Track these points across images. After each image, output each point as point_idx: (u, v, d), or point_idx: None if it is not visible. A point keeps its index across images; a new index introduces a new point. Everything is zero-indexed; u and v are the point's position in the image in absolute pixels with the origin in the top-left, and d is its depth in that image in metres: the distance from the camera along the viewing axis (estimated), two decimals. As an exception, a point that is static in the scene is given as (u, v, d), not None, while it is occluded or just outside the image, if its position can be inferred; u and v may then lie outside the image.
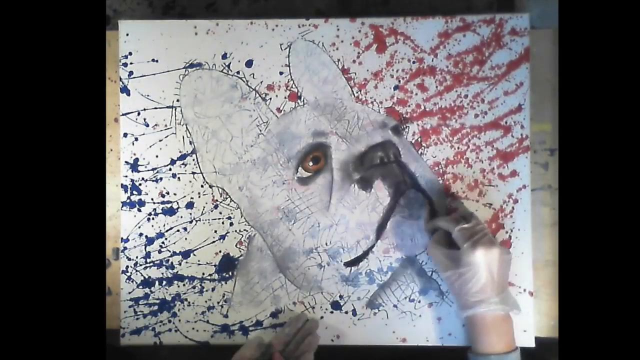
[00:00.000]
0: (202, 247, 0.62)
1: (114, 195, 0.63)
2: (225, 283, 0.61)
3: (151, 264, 0.62)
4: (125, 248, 0.62)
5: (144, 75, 0.62)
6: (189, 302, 0.61)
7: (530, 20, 0.60)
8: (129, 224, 0.62)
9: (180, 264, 0.62)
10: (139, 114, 0.62)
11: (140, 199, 0.62)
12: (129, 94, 0.62)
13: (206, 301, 0.61)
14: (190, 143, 0.62)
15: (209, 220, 0.61)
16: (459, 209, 0.60)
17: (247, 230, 0.61)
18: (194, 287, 0.61)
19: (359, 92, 0.61)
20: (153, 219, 0.62)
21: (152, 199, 0.62)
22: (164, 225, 0.62)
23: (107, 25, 0.70)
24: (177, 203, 0.62)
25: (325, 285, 0.61)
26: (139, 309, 0.62)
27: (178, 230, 0.62)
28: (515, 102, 0.60)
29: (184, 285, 0.62)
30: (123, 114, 0.62)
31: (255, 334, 0.61)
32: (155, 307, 0.62)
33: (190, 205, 0.62)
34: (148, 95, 0.62)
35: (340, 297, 0.61)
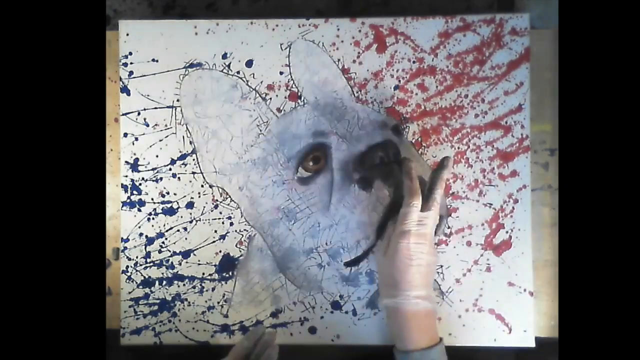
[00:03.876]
0: (202, 247, 0.62)
1: (114, 195, 0.63)
2: (225, 283, 0.61)
3: (151, 264, 0.62)
4: (125, 248, 0.62)
5: (144, 75, 0.62)
6: (189, 302, 0.61)
7: (530, 20, 0.60)
8: (129, 224, 0.62)
9: (180, 264, 0.62)
10: (139, 114, 0.62)
11: (140, 199, 0.62)
12: (129, 94, 0.62)
13: (206, 301, 0.61)
14: (190, 143, 0.62)
15: (209, 220, 0.61)
16: (434, 195, 0.53)
17: (247, 230, 0.61)
18: (194, 287, 0.61)
19: (359, 92, 0.61)
20: (153, 218, 0.62)
21: (152, 199, 0.62)
22: (164, 225, 0.62)
23: (107, 25, 0.70)
24: (177, 203, 0.62)
25: (325, 285, 0.61)
26: (139, 309, 0.62)
27: (178, 230, 0.62)
28: (515, 102, 0.60)
29: (184, 285, 0.62)
30: (123, 114, 0.62)
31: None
32: (155, 307, 0.62)
33: (190, 205, 0.62)
34: (148, 95, 0.62)
35: (340, 297, 0.61)
